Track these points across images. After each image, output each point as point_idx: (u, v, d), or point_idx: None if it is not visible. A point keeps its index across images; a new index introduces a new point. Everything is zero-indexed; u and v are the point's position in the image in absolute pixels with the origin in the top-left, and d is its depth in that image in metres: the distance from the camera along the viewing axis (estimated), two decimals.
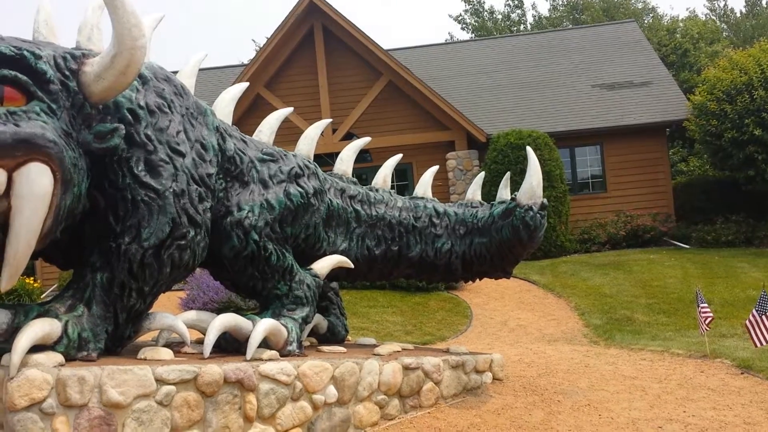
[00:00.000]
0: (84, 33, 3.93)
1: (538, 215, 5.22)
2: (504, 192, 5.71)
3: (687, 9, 53.24)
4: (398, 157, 6.15)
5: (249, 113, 16.95)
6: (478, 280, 5.96)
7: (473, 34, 39.65)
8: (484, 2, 40.96)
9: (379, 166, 6.06)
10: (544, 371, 6.37)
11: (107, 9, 3.21)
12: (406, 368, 4.83)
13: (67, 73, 3.31)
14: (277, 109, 14.56)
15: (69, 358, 3.41)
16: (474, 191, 6.02)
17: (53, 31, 3.90)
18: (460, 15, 41.26)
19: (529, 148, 5.54)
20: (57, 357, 3.32)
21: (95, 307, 3.63)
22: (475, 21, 40.89)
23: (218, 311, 6.70)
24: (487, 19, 40.79)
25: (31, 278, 12.27)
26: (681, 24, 33.25)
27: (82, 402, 3.24)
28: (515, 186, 5.73)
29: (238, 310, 7.74)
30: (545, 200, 5.34)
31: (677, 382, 5.77)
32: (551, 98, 19.57)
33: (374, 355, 4.99)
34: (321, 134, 15.74)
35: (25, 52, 3.12)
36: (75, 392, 3.21)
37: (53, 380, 3.18)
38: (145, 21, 3.79)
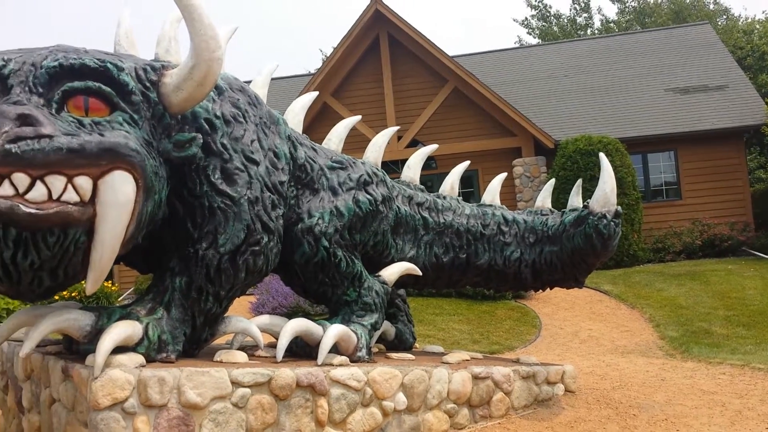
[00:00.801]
0: (162, 45, 4.08)
1: (612, 223, 5.10)
2: (575, 199, 5.60)
3: (763, 12, 50.89)
4: (465, 164, 6.12)
5: (316, 121, 17.21)
6: (548, 289, 5.85)
7: (540, 39, 39.09)
8: (550, 6, 40.33)
9: (444, 173, 6.05)
10: (618, 384, 6.19)
11: (185, 21, 3.31)
12: (476, 377, 4.78)
13: (148, 84, 3.42)
14: (343, 117, 14.63)
15: (149, 360, 3.52)
16: (544, 198, 5.93)
17: (133, 44, 4.07)
18: (526, 20, 40.77)
19: (602, 155, 5.41)
20: (138, 358, 3.43)
21: (174, 311, 3.74)
22: (541, 25, 40.31)
23: (287, 316, 6.80)
24: (553, 23, 40.15)
25: (110, 282, 12.78)
26: (758, 26, 31.86)
27: (162, 402, 3.34)
28: (586, 193, 5.61)
29: (307, 315, 7.84)
30: (619, 208, 5.21)
31: (759, 398, 5.50)
32: (622, 103, 19.08)
33: (443, 363, 4.95)
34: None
35: (109, 65, 3.25)
36: (155, 393, 3.31)
37: (135, 381, 3.29)
38: (221, 33, 3.89)
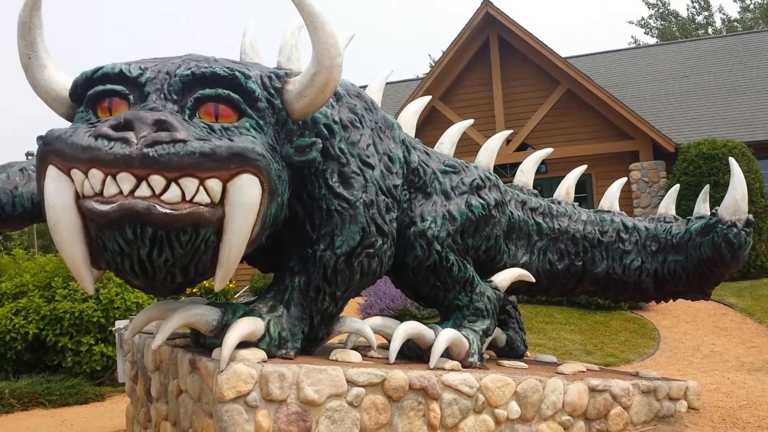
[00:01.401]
0: (284, 53, 4.23)
1: (742, 232, 4.79)
2: (702, 206, 5.30)
3: None
4: (582, 168, 5.94)
5: (425, 125, 17.27)
6: (671, 300, 5.57)
7: (658, 39, 37.34)
8: (669, 4, 38.44)
9: (555, 178, 5.92)
10: (746, 403, 5.79)
11: (308, 30, 3.41)
12: (593, 390, 4.62)
13: (272, 91, 3.54)
14: (451, 121, 14.62)
15: (270, 356, 3.63)
16: (667, 205, 5.65)
17: (257, 53, 4.24)
18: (642, 19, 39.07)
19: (732, 160, 5.10)
20: (260, 353, 3.56)
21: (293, 309, 3.85)
22: (660, 24, 38.50)
23: (395, 318, 6.86)
24: (672, 22, 38.25)
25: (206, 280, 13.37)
26: None
27: (282, 397, 3.45)
28: (711, 200, 5.30)
29: (414, 318, 7.87)
30: (750, 216, 4.89)
31: None
32: (748, 105, 17.86)
33: (558, 373, 4.83)
34: None
35: (237, 73, 3.40)
36: (276, 388, 3.43)
37: (257, 375, 3.42)
38: (340, 40, 3.98)
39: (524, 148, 17.11)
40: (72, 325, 8.26)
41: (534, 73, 17.52)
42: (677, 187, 5.97)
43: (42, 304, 8.30)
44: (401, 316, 10.43)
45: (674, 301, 5.62)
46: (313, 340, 4.05)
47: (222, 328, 3.62)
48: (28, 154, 37.70)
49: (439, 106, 17.62)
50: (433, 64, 32.59)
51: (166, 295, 3.60)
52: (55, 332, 8.24)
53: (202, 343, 3.82)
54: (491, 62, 17.50)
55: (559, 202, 5.53)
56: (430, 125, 17.11)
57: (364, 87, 4.82)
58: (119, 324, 7.07)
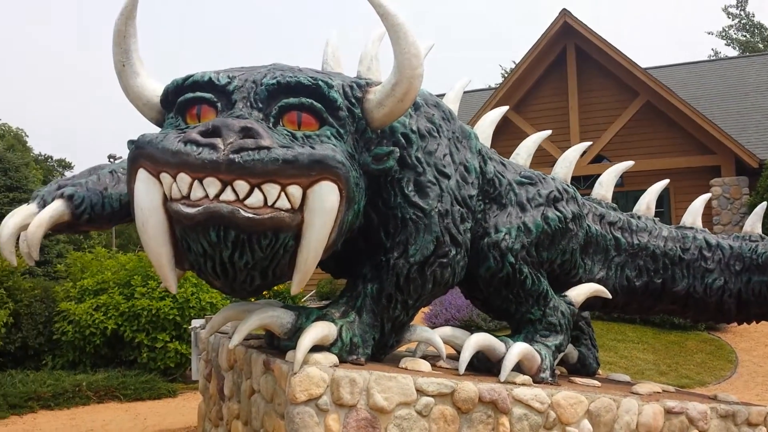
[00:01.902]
0: (364, 63, 4.28)
1: None
2: None
3: None
4: (664, 182, 5.76)
5: (497, 135, 16.93)
6: (754, 322, 5.32)
7: (740, 51, 35.85)
8: (753, 15, 36.85)
9: (632, 192, 5.76)
10: None
11: (391, 40, 3.45)
12: (668, 411, 4.46)
13: (353, 100, 3.59)
14: (524, 131, 14.38)
15: (341, 361, 3.66)
16: (753, 223, 5.41)
17: (339, 62, 4.31)
18: (723, 31, 37.59)
19: None
20: (332, 358, 3.60)
21: (365, 315, 3.88)
22: (742, 36, 36.96)
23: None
24: (755, 33, 36.64)
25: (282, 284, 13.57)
26: None
27: (352, 403, 3.48)
28: None
29: (480, 330, 7.80)
30: None
31: None
32: None
33: (632, 393, 4.68)
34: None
35: (320, 82, 3.47)
36: (346, 393, 3.47)
37: (329, 379, 3.46)
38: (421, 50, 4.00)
39: (600, 160, 16.72)
40: (149, 322, 8.58)
41: (611, 84, 17.13)
42: (765, 204, 5.70)
43: (121, 301, 8.66)
44: (467, 327, 10.33)
45: (757, 323, 5.37)
46: (383, 347, 4.07)
47: (296, 331, 3.69)
48: (110, 157, 39.47)
49: (512, 117, 17.43)
50: (505, 74, 32.39)
51: (245, 297, 3.70)
52: (133, 328, 8.57)
53: (276, 344, 3.91)
54: (568, 72, 17.20)
55: (639, 217, 5.38)
56: (503, 135, 16.92)
57: (441, 96, 4.83)
58: (195, 323, 7.30)
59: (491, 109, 5.38)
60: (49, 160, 45.08)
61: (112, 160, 39.50)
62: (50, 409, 7.24)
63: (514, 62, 33.82)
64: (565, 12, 16.65)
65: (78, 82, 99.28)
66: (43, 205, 3.97)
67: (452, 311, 12.03)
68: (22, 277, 9.09)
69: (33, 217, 3.91)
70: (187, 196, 3.09)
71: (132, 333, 8.53)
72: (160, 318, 8.54)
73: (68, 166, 46.57)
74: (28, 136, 43.84)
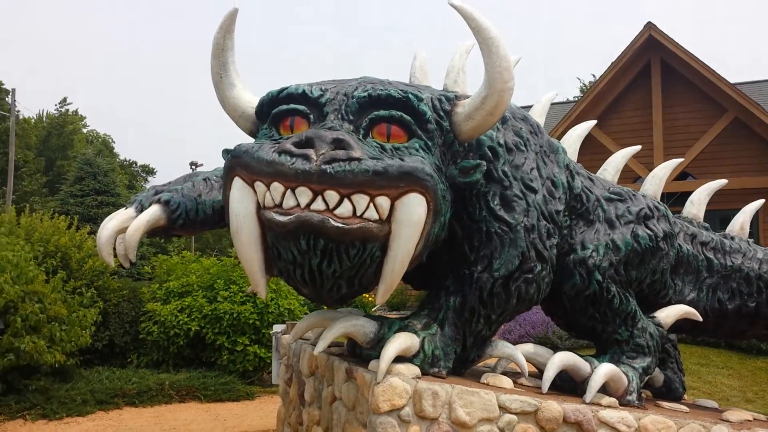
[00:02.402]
0: (451, 76, 4.29)
1: None
2: None
3: None
4: (759, 202, 5.52)
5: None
6: None
7: None
8: None
9: (717, 210, 5.49)
10: None
11: (482, 53, 3.45)
12: None
13: (442, 113, 3.61)
14: (604, 146, 13.97)
15: (423, 373, 3.67)
16: None
17: (426, 76, 4.34)
18: None
19: None
20: (415, 369, 3.60)
21: (447, 328, 3.86)
22: None
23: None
24: None
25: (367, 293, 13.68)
26: None
27: (434, 415, 3.47)
28: None
29: (555, 348, 7.63)
30: None
31: None
32: None
33: (722, 420, 4.48)
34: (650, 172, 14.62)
35: (410, 95, 3.50)
36: (428, 405, 3.46)
37: (411, 390, 3.46)
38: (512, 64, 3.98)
39: (684, 177, 16.12)
40: (230, 325, 8.82)
41: (698, 99, 16.51)
42: None
43: (204, 304, 8.94)
44: (542, 345, 10.14)
45: None
46: (464, 361, 4.04)
47: (378, 341, 3.72)
48: (192, 164, 40.88)
49: (593, 131, 17.00)
50: (583, 88, 31.73)
51: (331, 304, 3.76)
52: (215, 331, 8.83)
53: (358, 353, 3.94)
54: (652, 86, 16.70)
55: (732, 238, 5.15)
56: (583, 150, 16.52)
57: (528, 108, 4.79)
58: (276, 328, 7.45)
59: (571, 123, 5.29)
60: (134, 165, 47.13)
61: (193, 167, 40.96)
62: (135, 406, 7.53)
63: (594, 75, 33.12)
64: (650, 25, 16.19)
65: (163, 89, 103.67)
66: (141, 209, 4.14)
67: (527, 327, 11.84)
68: (111, 278, 9.52)
69: (131, 221, 4.08)
70: (280, 205, 3.18)
71: (214, 335, 8.79)
72: (240, 322, 8.77)
73: (151, 171, 48.56)
74: (114, 142, 46.02)
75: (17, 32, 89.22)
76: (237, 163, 3.31)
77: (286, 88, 3.61)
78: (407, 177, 3.23)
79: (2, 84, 35.19)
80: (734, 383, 9.62)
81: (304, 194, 3.13)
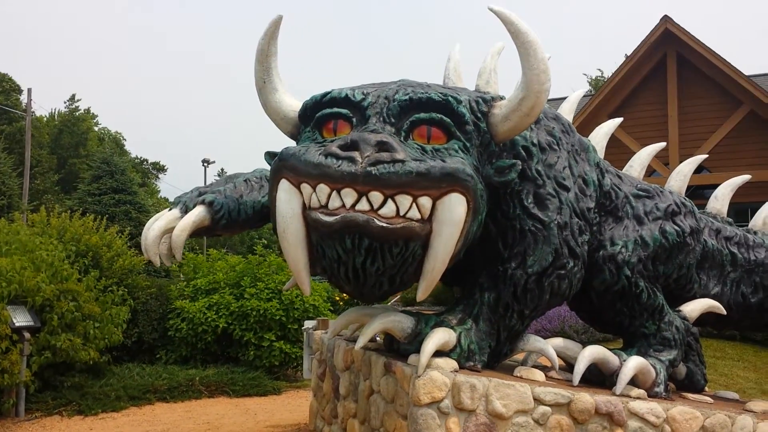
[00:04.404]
0: (483, 77, 4.41)
1: None
2: None
3: None
4: None
5: None
6: None
7: None
8: None
9: (735, 204, 5.57)
10: None
11: (520, 56, 3.56)
12: None
13: (479, 114, 3.72)
14: (620, 140, 13.93)
15: (459, 366, 3.80)
16: None
17: (460, 77, 4.46)
18: None
19: None
20: (453, 363, 3.74)
21: (482, 323, 3.99)
22: None
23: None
24: None
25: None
26: None
27: (472, 407, 3.61)
28: None
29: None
30: None
31: None
32: None
33: (746, 411, 4.59)
34: (667, 166, 14.64)
35: (450, 98, 3.62)
36: (467, 397, 3.60)
37: (450, 384, 3.60)
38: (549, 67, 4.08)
39: (699, 170, 16.11)
40: (257, 321, 8.98)
41: (713, 93, 16.49)
42: None
43: (232, 301, 9.10)
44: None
45: None
46: (497, 356, 4.17)
47: (415, 336, 3.85)
48: (204, 162, 41.13)
49: None
50: (591, 83, 31.65)
51: (372, 301, 3.89)
52: (242, 327, 8.99)
53: (395, 348, 4.07)
54: (668, 80, 16.69)
55: (755, 232, 5.25)
56: None
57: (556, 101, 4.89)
58: (308, 324, 7.61)
59: (586, 117, 5.39)
60: (145, 162, 47.32)
61: (205, 164, 41.20)
62: (166, 402, 7.70)
63: (600, 70, 33.02)
64: (666, 18, 16.18)
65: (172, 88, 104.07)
66: (185, 210, 4.29)
67: (543, 322, 11.91)
68: (139, 276, 9.70)
69: (176, 222, 4.24)
70: (325, 206, 3.31)
71: (241, 331, 8.95)
72: (267, 318, 8.93)
73: (162, 169, 48.77)
74: (125, 140, 46.24)
75: (26, 30, 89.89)
76: (284, 165, 3.45)
77: (330, 92, 3.74)
78: (449, 178, 3.35)
79: (17, 85, 35.51)
80: (750, 375, 9.69)
81: (349, 195, 3.26)
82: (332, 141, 3.46)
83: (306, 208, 3.40)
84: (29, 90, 28.81)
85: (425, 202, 3.33)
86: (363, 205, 3.27)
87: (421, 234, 3.36)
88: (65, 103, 40.55)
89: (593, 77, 32.34)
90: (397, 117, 3.59)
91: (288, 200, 3.43)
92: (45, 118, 39.17)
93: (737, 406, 4.78)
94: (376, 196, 3.27)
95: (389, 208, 3.28)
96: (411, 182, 3.27)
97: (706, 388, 5.80)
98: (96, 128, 43.31)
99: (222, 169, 48.18)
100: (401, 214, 3.30)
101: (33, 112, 30.69)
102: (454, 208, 3.38)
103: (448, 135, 3.60)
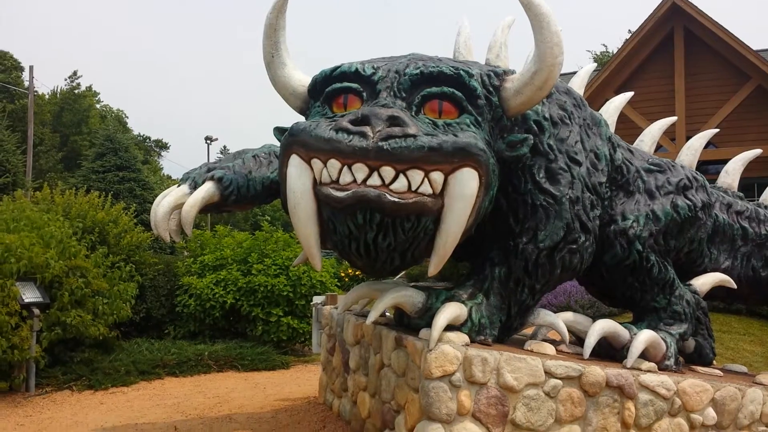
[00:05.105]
0: (494, 51, 4.36)
1: None
2: None
3: None
4: None
5: None
6: None
7: None
8: None
9: (743, 179, 5.54)
10: None
11: (533, 29, 3.52)
12: None
13: (491, 89, 3.69)
14: (627, 115, 13.83)
15: (470, 340, 3.82)
16: None
17: (471, 51, 4.41)
18: None
19: None
20: (464, 337, 3.75)
21: (492, 298, 4.00)
22: None
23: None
24: None
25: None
26: None
27: (483, 380, 3.63)
28: None
29: None
30: None
31: None
32: None
33: (755, 384, 4.62)
34: (673, 141, 14.53)
35: (461, 72, 3.59)
36: (478, 371, 3.62)
37: (461, 357, 3.62)
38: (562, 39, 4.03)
39: (706, 146, 16.03)
40: (264, 297, 9.01)
41: (721, 67, 16.34)
42: None
43: (239, 277, 9.12)
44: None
45: None
46: (507, 329, 4.18)
47: (426, 310, 3.86)
48: (207, 139, 40.98)
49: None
50: (596, 58, 31.35)
51: (383, 277, 3.89)
52: (250, 303, 9.02)
53: (405, 322, 4.09)
54: (675, 55, 16.52)
55: (766, 206, 5.24)
56: None
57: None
58: (317, 299, 7.63)
59: (592, 92, 5.34)
60: (147, 140, 47.18)
61: (208, 141, 41.07)
62: (175, 376, 7.75)
63: (604, 45, 32.66)
64: None
65: (168, 68, 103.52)
66: (194, 186, 4.29)
67: (549, 297, 11.92)
68: (147, 253, 9.71)
69: (186, 198, 4.23)
70: (337, 181, 3.30)
71: (249, 307, 8.99)
72: (274, 294, 8.96)
73: (165, 146, 48.63)
74: (128, 117, 46.05)
75: (27, 7, 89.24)
76: (294, 141, 3.43)
77: (339, 66, 3.71)
78: (461, 152, 3.33)
79: (19, 63, 35.31)
80: (756, 349, 9.73)
81: (360, 170, 3.25)
82: (343, 116, 3.43)
83: (317, 184, 3.39)
84: (31, 68, 28.58)
85: (437, 177, 3.32)
86: (374, 180, 3.26)
87: (433, 209, 3.35)
88: (66, 80, 40.27)
89: (597, 53, 32.04)
90: (408, 91, 3.56)
91: (299, 176, 3.42)
92: (47, 96, 38.97)
93: (746, 379, 4.82)
94: (388, 171, 3.25)
95: (401, 183, 3.27)
96: (423, 157, 3.25)
97: (714, 362, 5.84)
98: (98, 106, 43.12)
99: (224, 147, 48.04)
100: (413, 189, 3.29)
101: (36, 90, 30.54)
102: (466, 183, 3.37)
103: (459, 109, 3.57)
